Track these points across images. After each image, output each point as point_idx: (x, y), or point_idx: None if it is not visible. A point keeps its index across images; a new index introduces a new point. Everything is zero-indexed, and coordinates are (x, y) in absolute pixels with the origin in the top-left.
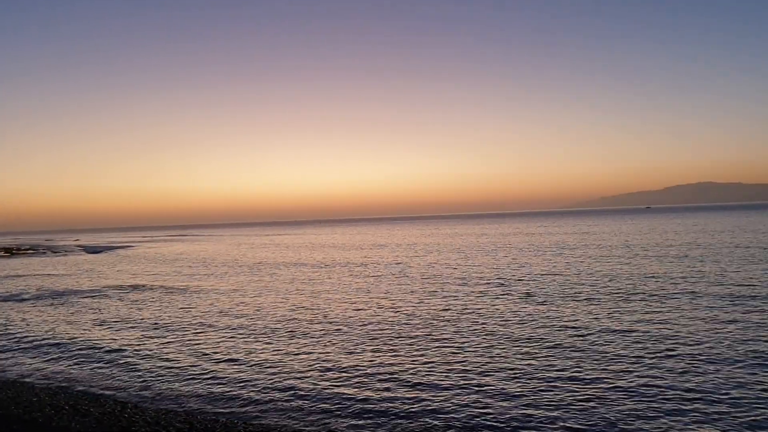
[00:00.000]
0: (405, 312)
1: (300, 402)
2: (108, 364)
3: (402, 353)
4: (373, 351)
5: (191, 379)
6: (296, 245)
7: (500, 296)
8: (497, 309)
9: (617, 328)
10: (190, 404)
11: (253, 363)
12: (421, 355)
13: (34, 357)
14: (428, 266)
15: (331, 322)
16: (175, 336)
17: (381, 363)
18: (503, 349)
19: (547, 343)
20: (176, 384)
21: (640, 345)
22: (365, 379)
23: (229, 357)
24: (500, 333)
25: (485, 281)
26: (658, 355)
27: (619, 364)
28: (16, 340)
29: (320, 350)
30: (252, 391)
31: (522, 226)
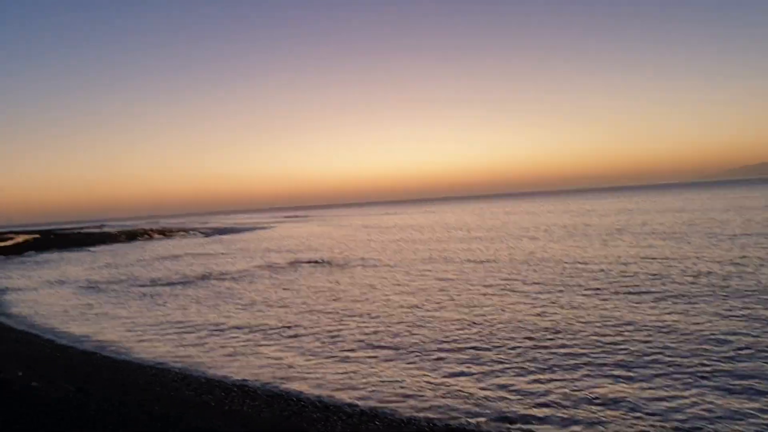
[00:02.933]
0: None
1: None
2: (285, 346)
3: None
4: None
5: (357, 363)
6: (450, 224)
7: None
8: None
9: None
10: (356, 392)
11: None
12: None
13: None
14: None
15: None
16: (350, 317)
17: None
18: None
19: None
20: (340, 367)
21: None
22: None
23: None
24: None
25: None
26: None
27: None
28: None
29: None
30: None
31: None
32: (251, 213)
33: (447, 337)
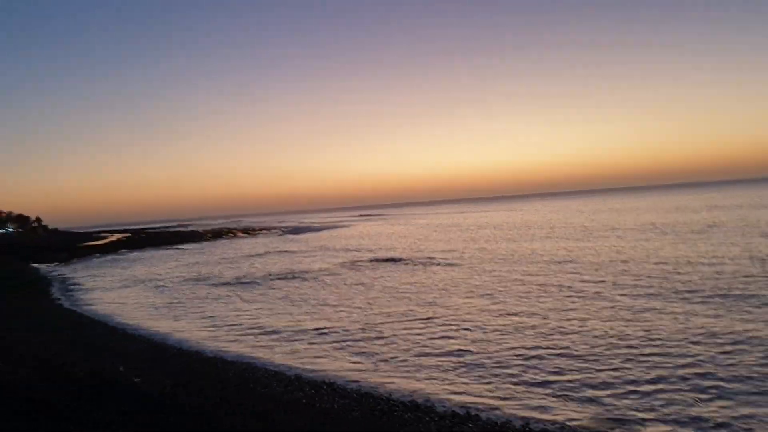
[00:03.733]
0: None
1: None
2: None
3: None
4: None
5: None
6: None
7: None
8: None
9: None
10: (445, 396)
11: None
12: None
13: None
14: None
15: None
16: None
17: None
18: None
19: None
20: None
21: None
22: None
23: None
24: None
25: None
26: None
27: None
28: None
29: None
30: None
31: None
32: (327, 212)
33: (533, 343)
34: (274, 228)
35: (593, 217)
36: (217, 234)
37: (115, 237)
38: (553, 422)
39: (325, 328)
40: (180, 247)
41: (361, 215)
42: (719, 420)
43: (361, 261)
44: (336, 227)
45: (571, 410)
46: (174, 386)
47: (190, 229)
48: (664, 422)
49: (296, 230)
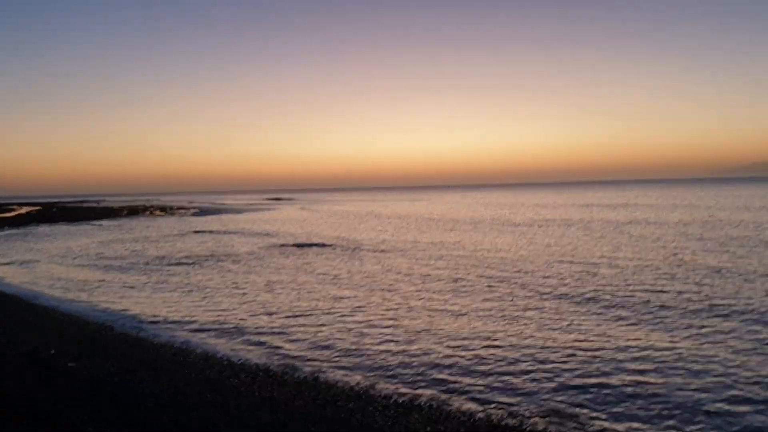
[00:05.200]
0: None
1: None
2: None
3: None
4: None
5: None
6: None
7: None
8: None
9: None
10: (389, 383)
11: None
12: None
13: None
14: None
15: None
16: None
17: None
18: None
19: None
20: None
21: None
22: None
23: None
24: None
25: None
26: None
27: None
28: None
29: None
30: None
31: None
32: (238, 194)
33: (476, 332)
34: (191, 207)
35: (485, 211)
36: (134, 211)
37: (24, 210)
38: (498, 414)
39: (257, 312)
40: (96, 222)
41: (270, 198)
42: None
43: (287, 245)
44: (255, 210)
45: (511, 400)
46: (120, 372)
47: (103, 205)
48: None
49: (213, 211)
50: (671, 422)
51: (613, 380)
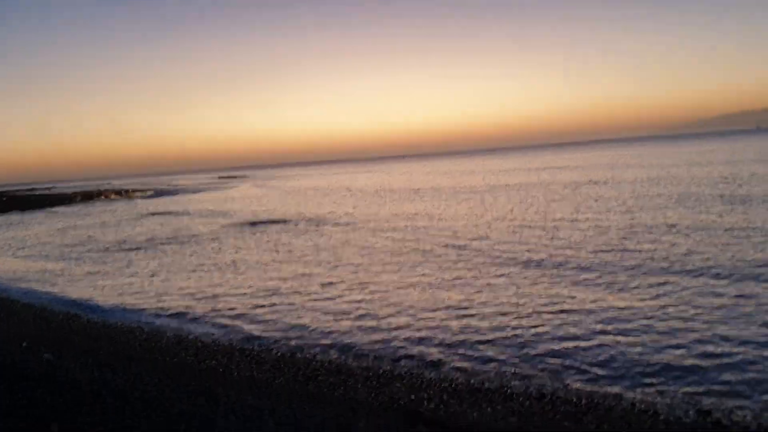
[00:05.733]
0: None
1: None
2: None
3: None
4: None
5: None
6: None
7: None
8: None
9: None
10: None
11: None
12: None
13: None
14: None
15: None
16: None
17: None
18: None
19: None
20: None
21: None
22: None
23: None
24: None
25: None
26: None
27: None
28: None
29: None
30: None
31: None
32: (190, 174)
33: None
34: (147, 189)
35: (445, 179)
36: (88, 196)
37: None
38: (478, 379)
39: (225, 293)
40: (51, 210)
41: (224, 177)
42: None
43: (248, 223)
44: (211, 190)
45: (488, 366)
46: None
47: (55, 192)
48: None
49: (169, 192)
50: (646, 380)
51: (586, 342)
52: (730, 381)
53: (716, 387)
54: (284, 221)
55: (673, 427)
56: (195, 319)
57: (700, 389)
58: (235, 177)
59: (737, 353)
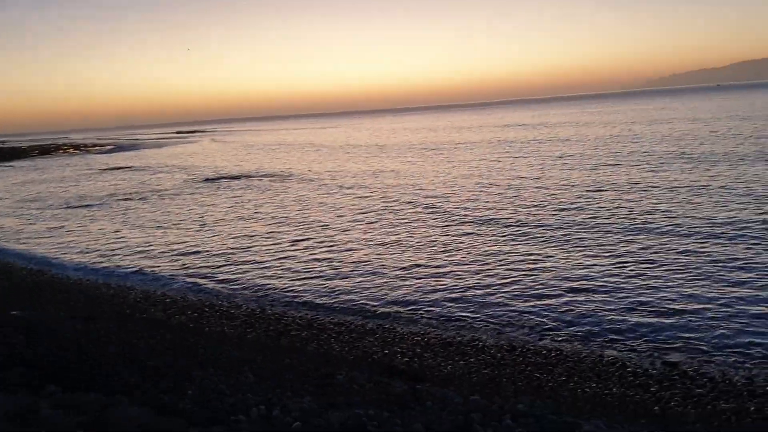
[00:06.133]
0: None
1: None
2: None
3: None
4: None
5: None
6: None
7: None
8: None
9: None
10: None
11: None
12: None
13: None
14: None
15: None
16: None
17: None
18: None
19: None
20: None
21: None
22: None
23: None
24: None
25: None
26: None
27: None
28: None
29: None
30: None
31: (576, 111)
32: (153, 129)
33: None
34: (106, 144)
35: (408, 136)
36: (45, 150)
37: None
38: (449, 333)
39: (191, 249)
40: (7, 164)
41: (185, 132)
42: None
43: (211, 179)
44: (171, 145)
45: (458, 322)
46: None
47: (8, 145)
48: None
49: (129, 147)
50: (613, 335)
51: (554, 300)
52: (695, 336)
53: (682, 341)
54: (248, 176)
55: (641, 378)
56: (162, 276)
57: (667, 343)
58: (194, 132)
59: (701, 310)
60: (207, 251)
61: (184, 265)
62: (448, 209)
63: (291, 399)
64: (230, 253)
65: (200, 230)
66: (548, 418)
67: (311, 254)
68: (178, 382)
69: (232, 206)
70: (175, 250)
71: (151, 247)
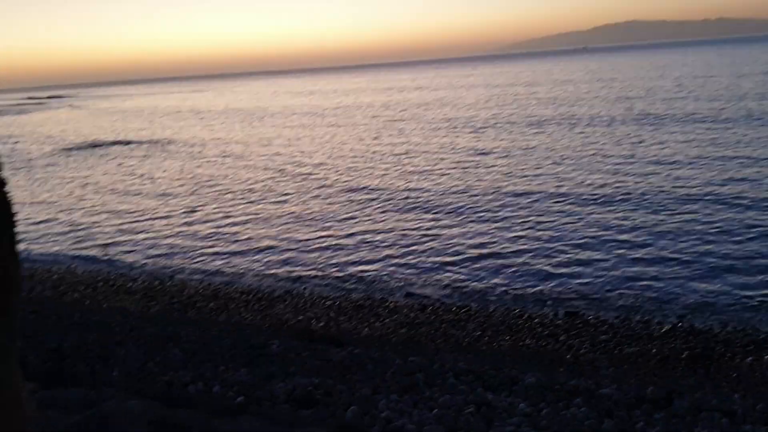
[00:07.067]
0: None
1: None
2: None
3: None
4: None
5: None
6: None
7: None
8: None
9: None
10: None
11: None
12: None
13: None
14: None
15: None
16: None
17: None
18: None
19: None
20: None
21: None
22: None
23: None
24: None
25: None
26: None
27: None
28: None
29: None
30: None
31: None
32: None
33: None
34: None
35: (280, 100)
36: None
37: None
38: (358, 296)
39: (75, 221)
40: None
41: (32, 98)
42: None
43: (85, 146)
44: (24, 113)
45: (366, 286)
46: None
47: None
48: None
49: None
50: (518, 291)
51: (459, 266)
52: (588, 285)
53: (577, 292)
54: (127, 142)
55: (549, 328)
56: (46, 252)
57: (564, 294)
58: (52, 97)
59: (591, 261)
60: (91, 224)
61: (68, 240)
62: (333, 179)
63: (226, 373)
64: (118, 226)
65: (80, 199)
66: (489, 373)
67: (205, 224)
68: (97, 363)
69: (114, 176)
70: (58, 223)
71: (32, 221)
